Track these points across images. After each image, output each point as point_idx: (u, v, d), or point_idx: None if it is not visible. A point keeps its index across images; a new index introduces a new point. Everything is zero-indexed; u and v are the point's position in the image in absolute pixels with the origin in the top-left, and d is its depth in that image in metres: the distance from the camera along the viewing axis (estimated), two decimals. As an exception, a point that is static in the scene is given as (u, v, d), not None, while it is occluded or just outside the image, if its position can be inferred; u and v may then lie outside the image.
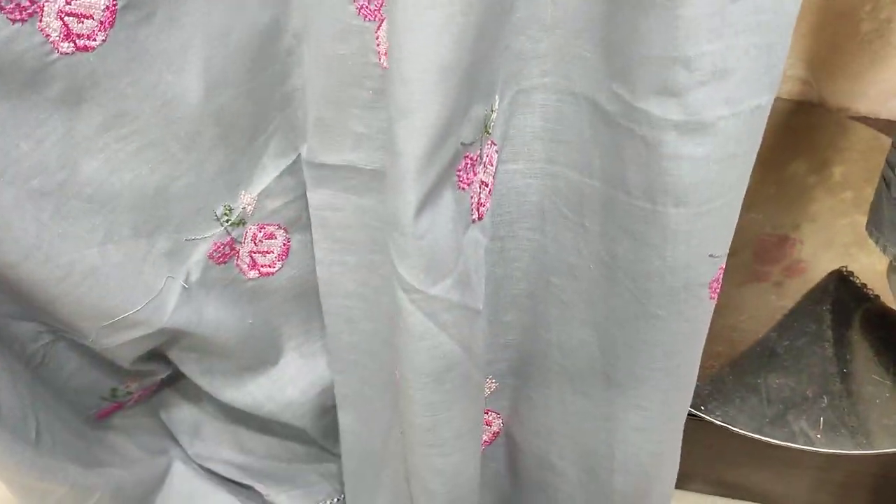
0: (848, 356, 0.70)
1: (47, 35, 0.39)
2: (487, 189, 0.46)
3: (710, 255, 0.42)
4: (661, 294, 0.43)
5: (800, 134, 0.97)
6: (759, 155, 0.95)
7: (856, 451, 0.63)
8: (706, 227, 0.41)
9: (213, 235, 0.51)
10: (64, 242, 0.45)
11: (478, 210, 0.45)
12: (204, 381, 0.60)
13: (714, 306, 0.45)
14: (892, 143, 0.66)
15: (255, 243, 0.54)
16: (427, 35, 0.34)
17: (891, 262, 0.69)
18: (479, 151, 0.43)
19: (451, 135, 0.38)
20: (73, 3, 0.39)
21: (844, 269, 0.80)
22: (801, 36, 0.93)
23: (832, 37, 0.92)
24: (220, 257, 0.52)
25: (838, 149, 0.96)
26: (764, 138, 0.98)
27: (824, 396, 0.66)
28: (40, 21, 0.38)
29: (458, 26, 0.35)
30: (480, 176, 0.44)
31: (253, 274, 0.55)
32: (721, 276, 0.44)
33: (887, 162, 0.68)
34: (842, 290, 0.77)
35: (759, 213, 0.88)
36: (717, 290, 0.44)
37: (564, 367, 0.53)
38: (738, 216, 0.42)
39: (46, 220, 0.43)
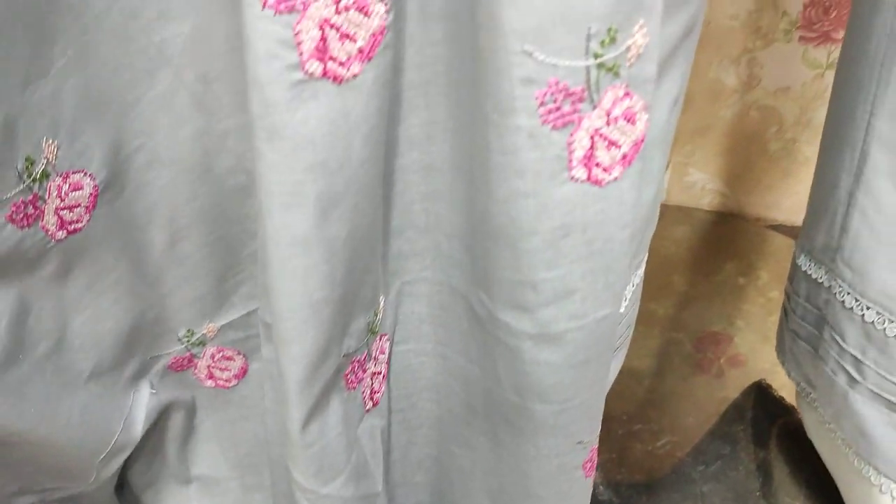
0: (761, 478, 0.73)
1: (47, 230, 0.43)
2: (381, 376, 0.50)
3: (579, 443, 0.45)
4: (539, 477, 0.47)
5: (725, 241, 1.01)
6: (691, 260, 1.00)
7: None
8: (571, 420, 0.44)
9: (174, 352, 0.55)
10: (62, 391, 0.48)
11: (371, 399, 0.49)
12: (149, 494, 0.63)
13: (591, 480, 0.48)
14: (788, 276, 0.71)
15: (213, 360, 0.58)
16: (293, 280, 0.38)
17: (796, 388, 0.73)
18: (365, 353, 0.47)
19: (330, 355, 0.42)
20: (66, 198, 0.44)
21: (763, 382, 0.84)
22: (717, 155, 0.98)
23: (745, 155, 0.97)
24: (178, 367, 0.56)
25: (761, 254, 1.01)
26: (694, 245, 1.03)
27: (738, 521, 0.69)
28: (41, 221, 0.43)
29: (323, 272, 0.39)
30: (371, 370, 0.48)
31: (209, 384, 0.58)
32: (594, 455, 0.48)
33: (785, 292, 0.72)
34: (759, 406, 0.81)
35: (698, 312, 0.92)
36: (593, 467, 0.48)
37: (471, 528, 0.56)
38: (602, 407, 0.46)
39: (49, 378, 0.47)
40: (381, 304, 0.47)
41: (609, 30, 0.35)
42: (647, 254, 0.65)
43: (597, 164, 0.38)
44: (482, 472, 0.52)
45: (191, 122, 0.47)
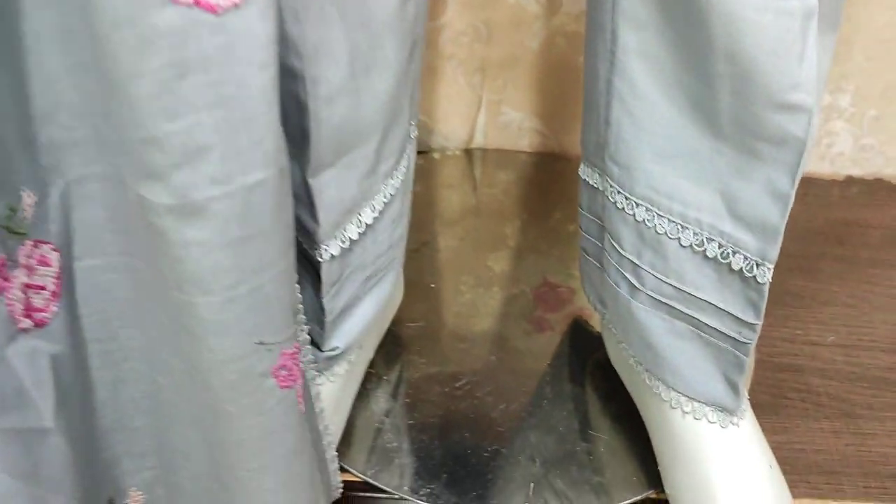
0: (574, 414, 0.68)
1: None
2: (47, 293, 0.42)
3: (261, 343, 0.39)
4: (224, 388, 0.40)
5: (551, 185, 0.97)
6: (520, 208, 0.95)
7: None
8: (241, 315, 0.38)
9: None
10: None
11: (30, 317, 0.41)
12: None
13: (293, 394, 0.42)
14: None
15: None
16: None
17: (601, 319, 0.68)
18: (3, 257, 0.39)
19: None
20: None
21: (580, 319, 0.79)
22: (529, 89, 0.93)
23: (558, 88, 0.93)
24: None
25: (590, 197, 0.96)
26: (520, 192, 0.98)
27: (536, 460, 0.64)
28: None
29: None
30: (22, 280, 0.40)
31: None
32: (291, 362, 0.41)
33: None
34: (575, 343, 0.76)
35: (534, 264, 0.86)
36: (292, 378, 0.41)
37: (195, 475, 0.48)
38: (285, 300, 0.39)
39: None
40: (25, 199, 0.40)
41: None
42: (411, 149, 0.60)
43: (205, -16, 0.32)
44: (185, 401, 0.45)
45: None
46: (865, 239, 0.88)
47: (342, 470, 0.63)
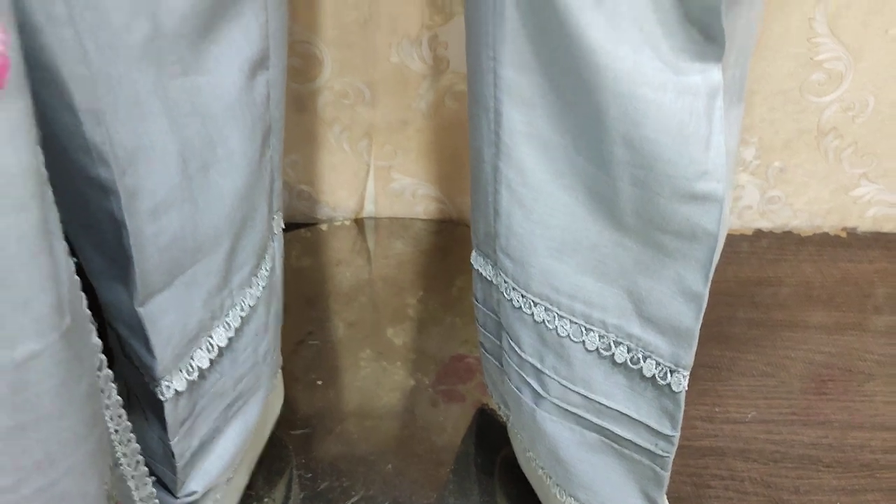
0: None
1: None
2: None
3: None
4: None
5: (450, 252, 0.90)
6: (419, 278, 0.87)
7: None
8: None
9: None
10: None
11: None
12: None
13: None
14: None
15: None
16: None
17: (506, 422, 0.61)
18: None
19: None
20: None
21: (486, 408, 0.72)
22: (421, 155, 0.87)
23: (452, 152, 0.87)
24: None
25: (492, 263, 0.90)
26: (418, 262, 0.91)
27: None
28: None
29: None
30: None
31: None
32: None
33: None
34: (480, 438, 0.68)
35: (438, 337, 0.79)
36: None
37: None
38: (91, 490, 0.31)
39: None
40: None
41: None
42: (277, 246, 0.52)
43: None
44: None
45: None
46: (778, 298, 0.84)
47: None
